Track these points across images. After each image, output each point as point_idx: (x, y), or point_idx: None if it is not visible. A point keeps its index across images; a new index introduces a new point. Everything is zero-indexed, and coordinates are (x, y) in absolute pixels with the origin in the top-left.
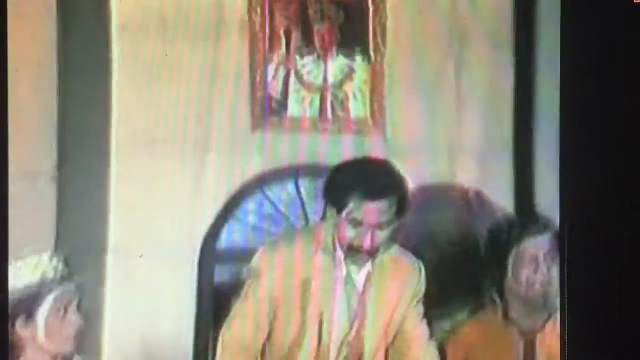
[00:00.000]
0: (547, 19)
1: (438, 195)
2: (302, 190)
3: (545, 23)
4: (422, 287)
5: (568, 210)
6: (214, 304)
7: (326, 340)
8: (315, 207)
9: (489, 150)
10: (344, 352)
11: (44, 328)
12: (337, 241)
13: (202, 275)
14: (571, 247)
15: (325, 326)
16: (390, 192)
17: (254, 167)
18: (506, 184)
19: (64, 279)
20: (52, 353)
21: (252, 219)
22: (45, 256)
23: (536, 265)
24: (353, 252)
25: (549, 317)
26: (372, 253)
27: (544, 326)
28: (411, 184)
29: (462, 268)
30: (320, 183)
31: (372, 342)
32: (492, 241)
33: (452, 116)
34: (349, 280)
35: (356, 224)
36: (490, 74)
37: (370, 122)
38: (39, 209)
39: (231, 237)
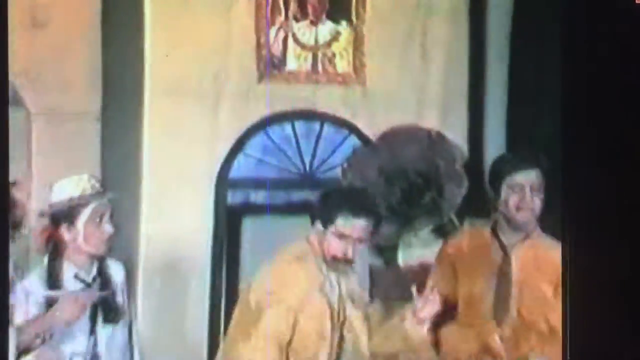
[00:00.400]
0: None
1: (407, 134)
2: (297, 130)
3: None
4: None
5: (570, 210)
6: (227, 219)
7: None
8: (306, 144)
9: (448, 99)
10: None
11: (82, 232)
12: (322, 251)
13: (218, 197)
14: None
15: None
16: (372, 212)
17: (259, 112)
18: (461, 126)
19: (99, 194)
20: (88, 253)
21: (256, 154)
22: (85, 176)
23: (522, 193)
24: (336, 261)
25: (526, 236)
26: (351, 263)
27: (520, 243)
28: (386, 126)
29: (425, 193)
30: (312, 125)
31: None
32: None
33: (419, 71)
34: (331, 286)
35: (342, 237)
36: (450, 37)
37: (352, 75)
38: (87, 142)
39: (240, 168)
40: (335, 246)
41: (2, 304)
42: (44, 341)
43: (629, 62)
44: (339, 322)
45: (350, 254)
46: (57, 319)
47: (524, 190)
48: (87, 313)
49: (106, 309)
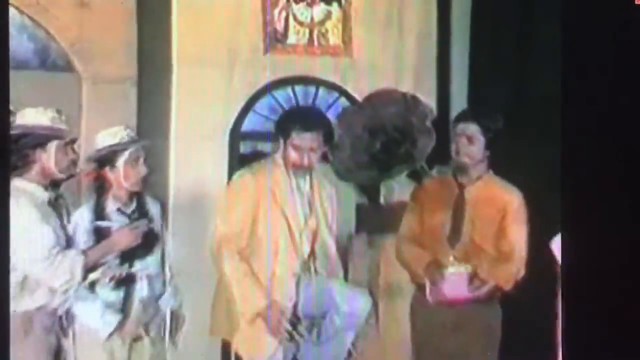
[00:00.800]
0: None
1: (387, 96)
2: (297, 93)
3: None
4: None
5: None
6: (239, 165)
7: (287, 231)
8: (304, 103)
9: (420, 68)
10: (304, 240)
11: (122, 172)
12: (286, 161)
13: (232, 148)
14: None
15: (286, 220)
16: (317, 126)
17: (265, 77)
18: (431, 90)
19: (134, 142)
20: (128, 190)
21: (263, 112)
22: (122, 127)
23: (461, 141)
24: (295, 168)
25: (479, 177)
26: (309, 168)
27: (473, 182)
28: (369, 89)
29: (401, 145)
30: (309, 89)
31: (324, 231)
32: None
33: (396, 44)
34: (298, 188)
35: (297, 148)
36: (421, 16)
37: (342, 47)
38: (125, 102)
39: (250, 123)
40: (294, 156)
41: (3, 296)
42: (104, 262)
43: (629, 62)
44: (305, 223)
45: (306, 162)
46: (115, 246)
47: (462, 138)
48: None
49: (147, 234)
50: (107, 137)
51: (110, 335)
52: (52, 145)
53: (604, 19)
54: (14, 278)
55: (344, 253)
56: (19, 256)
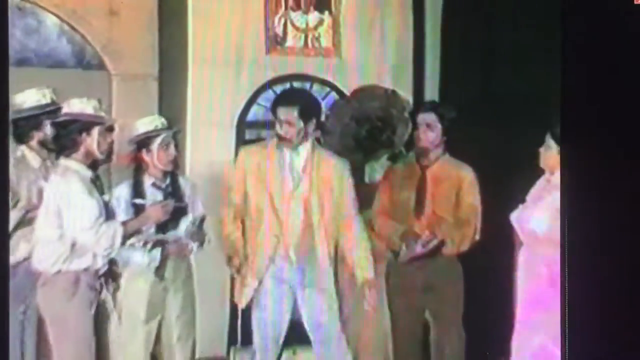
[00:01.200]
0: None
1: (371, 91)
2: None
3: None
4: (347, 175)
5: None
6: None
7: (268, 201)
8: None
9: (399, 67)
10: (297, 209)
11: (156, 155)
12: (277, 137)
13: (238, 134)
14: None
15: (279, 191)
16: (293, 102)
17: (267, 75)
18: (408, 86)
19: (166, 129)
20: (161, 169)
21: (265, 104)
22: (157, 116)
23: (426, 128)
24: (280, 140)
25: (436, 159)
26: (290, 140)
27: (431, 164)
28: (356, 85)
29: (383, 132)
30: (304, 85)
31: (317, 205)
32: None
33: (379, 47)
34: (291, 162)
35: (280, 122)
36: (399, 23)
37: (333, 49)
38: (148, 95)
39: (254, 113)
40: (280, 130)
41: (3, 291)
42: (140, 231)
43: (629, 61)
44: (294, 185)
45: (287, 135)
46: (148, 220)
47: (422, 126)
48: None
49: (176, 202)
50: (145, 124)
51: (157, 269)
52: (95, 130)
53: (605, 18)
54: (64, 244)
55: None
56: (68, 225)
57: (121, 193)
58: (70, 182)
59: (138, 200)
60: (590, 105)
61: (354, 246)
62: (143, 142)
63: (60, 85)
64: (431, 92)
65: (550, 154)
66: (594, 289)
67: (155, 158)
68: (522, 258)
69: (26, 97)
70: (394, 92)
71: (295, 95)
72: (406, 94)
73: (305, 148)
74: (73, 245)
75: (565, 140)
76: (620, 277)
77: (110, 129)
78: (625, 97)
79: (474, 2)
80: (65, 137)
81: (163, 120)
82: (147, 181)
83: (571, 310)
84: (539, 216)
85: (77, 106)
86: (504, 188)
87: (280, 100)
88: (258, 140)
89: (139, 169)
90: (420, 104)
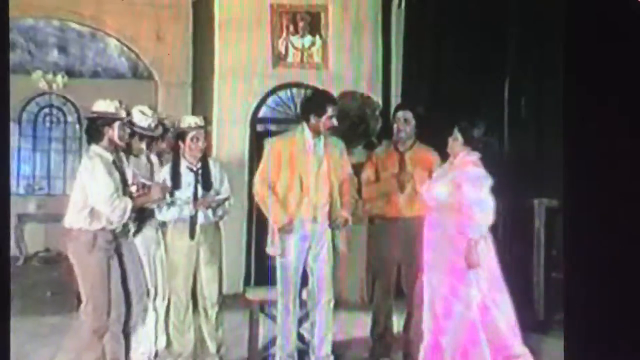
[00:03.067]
0: None
1: (351, 95)
2: (294, 93)
3: None
4: (344, 147)
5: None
6: (256, 139)
7: (305, 179)
8: (298, 102)
9: (372, 78)
10: (321, 182)
11: (189, 145)
12: (309, 129)
13: (251, 128)
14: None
15: (305, 171)
16: (336, 101)
17: (273, 83)
18: (378, 92)
19: (200, 127)
20: (194, 156)
21: (272, 105)
22: (195, 116)
23: (404, 122)
24: (328, 130)
25: (411, 146)
26: (332, 130)
27: (408, 149)
28: (340, 91)
29: (359, 127)
30: (300, 91)
31: (335, 180)
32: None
33: (356, 62)
34: (314, 147)
35: (328, 117)
36: (372, 45)
37: (322, 64)
38: (184, 100)
39: (263, 112)
40: (329, 122)
41: (4, 288)
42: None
43: (629, 61)
44: (317, 166)
45: (335, 123)
46: (150, 197)
47: (400, 121)
48: (192, 184)
49: (205, 181)
50: (186, 120)
51: (191, 226)
52: (116, 124)
53: (607, 19)
54: (86, 210)
55: None
56: (90, 195)
57: (164, 172)
58: (94, 163)
59: (143, 180)
60: (592, 107)
61: (345, 193)
62: (179, 135)
63: (120, 93)
64: (395, 97)
65: (456, 143)
66: (594, 290)
67: (187, 148)
68: (428, 218)
69: (99, 106)
70: (368, 97)
71: (331, 96)
72: (377, 98)
73: (323, 136)
74: (91, 210)
75: (567, 138)
76: (620, 278)
77: (129, 122)
78: (626, 96)
79: (428, 29)
80: (94, 129)
81: (201, 118)
82: (183, 164)
83: (572, 310)
84: (441, 189)
85: (102, 107)
86: None
87: (329, 100)
88: (265, 133)
89: (177, 154)
90: (400, 104)
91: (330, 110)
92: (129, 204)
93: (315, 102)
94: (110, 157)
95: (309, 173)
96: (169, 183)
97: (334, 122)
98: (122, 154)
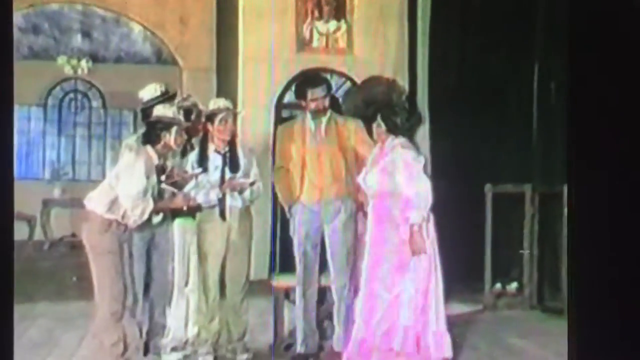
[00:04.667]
0: None
1: (376, 80)
2: None
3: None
4: (361, 125)
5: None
6: (281, 124)
7: (308, 160)
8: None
9: (398, 63)
10: (327, 162)
11: (217, 127)
12: (306, 112)
13: (277, 113)
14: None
15: (307, 152)
16: (321, 83)
17: (297, 69)
18: (404, 76)
19: (228, 109)
20: (222, 139)
21: None
22: (223, 99)
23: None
24: (313, 112)
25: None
26: (324, 111)
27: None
28: (365, 76)
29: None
30: (326, 76)
31: (343, 159)
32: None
33: (383, 48)
34: (312, 128)
35: (312, 100)
36: (398, 30)
37: (347, 49)
38: (209, 85)
39: (288, 97)
40: (314, 104)
41: (6, 287)
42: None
43: (629, 60)
44: (314, 142)
45: (321, 106)
46: (172, 205)
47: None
48: (220, 167)
49: (232, 165)
50: (214, 103)
51: (221, 212)
52: (174, 130)
53: (610, 18)
54: (110, 196)
55: None
56: (119, 184)
57: (193, 158)
58: (138, 160)
59: (164, 185)
60: (593, 101)
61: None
62: (209, 117)
63: (144, 77)
64: (421, 81)
65: (380, 130)
66: (599, 290)
67: (216, 130)
68: (370, 204)
69: (145, 92)
70: (394, 80)
71: (316, 78)
72: (403, 82)
73: (325, 117)
74: (115, 198)
75: (569, 137)
76: (624, 278)
77: (187, 128)
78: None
79: (453, 15)
80: (152, 132)
81: (229, 101)
82: (211, 148)
83: (572, 311)
84: (375, 177)
85: (161, 111)
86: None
87: (308, 83)
88: (291, 117)
89: (205, 138)
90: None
91: (311, 94)
92: (149, 207)
93: (297, 86)
94: (157, 161)
95: (310, 154)
96: (196, 169)
97: (325, 103)
98: (169, 155)
